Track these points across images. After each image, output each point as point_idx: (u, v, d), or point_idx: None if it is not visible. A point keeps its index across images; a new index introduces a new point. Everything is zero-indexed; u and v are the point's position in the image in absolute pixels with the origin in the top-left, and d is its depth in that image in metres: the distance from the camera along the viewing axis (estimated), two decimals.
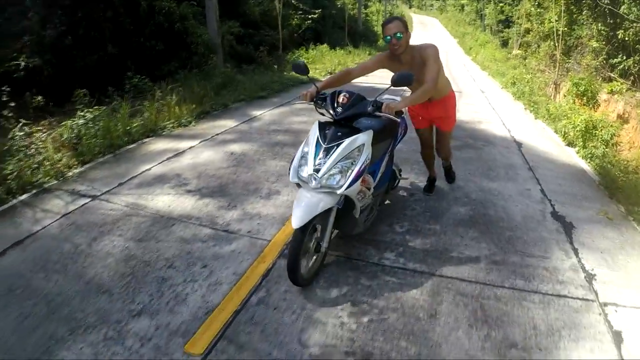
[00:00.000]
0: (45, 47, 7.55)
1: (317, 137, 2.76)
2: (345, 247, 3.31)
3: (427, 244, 3.41)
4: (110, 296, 2.69)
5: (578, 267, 3.19)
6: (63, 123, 5.50)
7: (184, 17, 11.12)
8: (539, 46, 16.06)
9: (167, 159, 5.10)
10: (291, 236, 2.62)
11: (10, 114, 5.09)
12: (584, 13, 11.39)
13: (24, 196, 4.00)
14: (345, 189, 2.61)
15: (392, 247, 3.35)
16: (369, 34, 28.25)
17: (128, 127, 5.83)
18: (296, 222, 2.52)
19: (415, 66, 3.17)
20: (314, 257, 2.87)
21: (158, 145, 5.66)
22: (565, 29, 11.84)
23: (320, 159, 2.66)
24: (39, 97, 5.98)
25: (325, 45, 16.92)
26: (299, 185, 2.78)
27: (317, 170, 2.63)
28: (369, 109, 2.80)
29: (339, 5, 25.39)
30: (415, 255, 3.23)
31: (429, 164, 4.34)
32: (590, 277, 3.06)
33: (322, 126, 2.84)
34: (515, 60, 18.54)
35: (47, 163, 4.57)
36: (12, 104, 5.28)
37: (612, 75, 9.44)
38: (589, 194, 4.69)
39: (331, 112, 2.85)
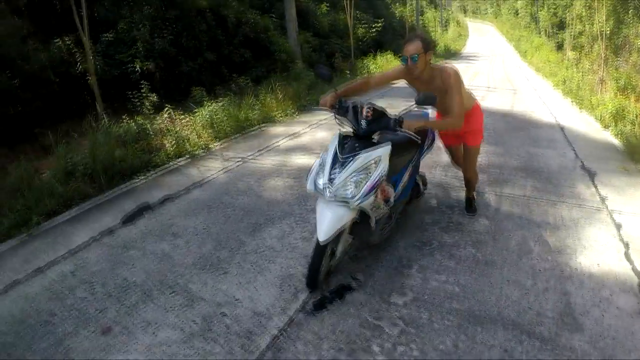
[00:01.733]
0: (155, 54, 9.28)
1: (336, 148, 2.80)
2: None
3: (491, 179, 5.10)
4: (288, 205, 4.41)
5: (595, 193, 4.73)
6: (195, 111, 7.50)
7: (267, 29, 13.22)
8: (591, 47, 17.04)
9: (289, 136, 7.02)
10: (313, 249, 2.77)
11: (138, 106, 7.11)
12: (630, 12, 12.42)
13: (182, 161, 5.87)
14: (358, 202, 2.65)
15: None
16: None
17: (249, 115, 7.84)
18: (323, 236, 2.59)
19: (434, 87, 3.19)
20: (329, 263, 2.96)
21: (276, 129, 7.64)
22: (614, 28, 12.86)
23: (335, 170, 2.71)
24: (154, 95, 7.72)
25: (389, 52, 18.55)
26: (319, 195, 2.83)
27: (331, 181, 2.68)
28: (390, 124, 2.86)
29: (398, 15, 27.22)
30: (484, 185, 4.90)
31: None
32: (603, 198, 4.60)
33: (342, 138, 2.89)
34: (569, 62, 19.41)
35: (193, 139, 6.46)
36: (135, 100, 7.31)
37: None
38: (614, 157, 6.17)
39: (355, 125, 2.89)
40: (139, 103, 7.36)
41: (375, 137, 2.98)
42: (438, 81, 3.19)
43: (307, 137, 7.03)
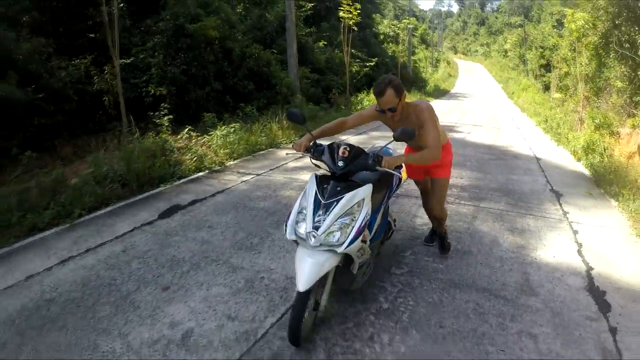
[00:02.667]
0: (167, 80, 10.12)
1: (316, 192, 2.70)
2: None
3: (471, 196, 5.88)
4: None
5: (560, 209, 5.53)
6: (210, 133, 8.37)
7: (269, 63, 14.18)
8: (575, 89, 18.08)
9: (295, 159, 7.82)
10: (294, 299, 2.59)
11: (158, 125, 7.99)
12: (611, 55, 13.37)
13: (202, 174, 6.74)
14: (346, 247, 2.55)
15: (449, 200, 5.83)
16: (417, 80, 31.24)
17: (258, 139, 8.70)
18: (302, 285, 2.45)
19: (410, 123, 3.16)
20: (312, 315, 2.82)
21: (282, 152, 8.45)
22: (596, 71, 13.78)
23: (319, 215, 2.59)
24: (169, 117, 8.42)
25: None
26: (296, 243, 2.70)
27: (316, 228, 2.56)
28: (369, 162, 2.78)
29: (390, 54, 28.61)
30: (464, 200, 5.68)
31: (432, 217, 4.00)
32: (565, 213, 5.39)
33: (320, 180, 2.78)
34: (554, 102, 20.47)
35: (210, 156, 7.33)
36: (156, 119, 8.20)
37: (634, 111, 11.41)
38: (582, 183, 7.00)
39: (331, 166, 2.79)
40: (159, 122, 8.12)
41: (353, 178, 2.92)
42: (412, 117, 3.16)
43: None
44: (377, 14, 34.70)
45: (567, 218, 5.22)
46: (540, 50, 29.90)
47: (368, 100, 17.47)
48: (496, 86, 41.77)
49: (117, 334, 2.89)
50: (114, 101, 8.66)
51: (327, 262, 2.55)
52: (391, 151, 3.69)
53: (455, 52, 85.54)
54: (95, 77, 8.73)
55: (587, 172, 7.86)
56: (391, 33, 31.74)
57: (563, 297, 3.41)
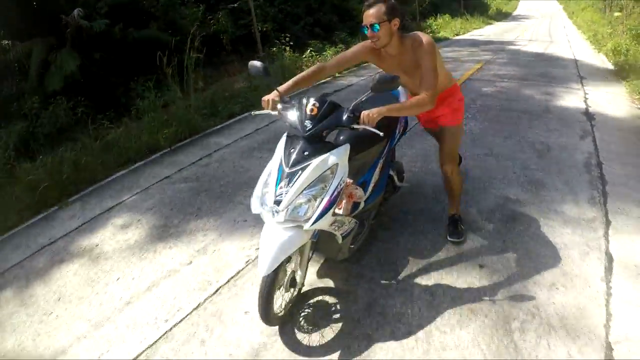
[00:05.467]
0: (269, 18, 12.63)
1: (281, 158, 2.29)
2: None
3: (519, 77, 8.87)
4: None
5: (580, 85, 8.38)
6: (324, 53, 11.45)
7: None
8: (633, 7, 19.57)
9: None
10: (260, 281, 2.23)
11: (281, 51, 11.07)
12: None
13: (328, 78, 9.90)
14: (312, 224, 2.16)
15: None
16: (480, 4, 32.60)
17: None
18: (263, 269, 2.11)
19: (407, 64, 2.65)
20: (290, 292, 2.51)
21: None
22: None
23: (281, 187, 2.19)
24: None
25: (447, 15, 21.90)
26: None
27: (278, 202, 2.17)
28: (343, 119, 2.32)
29: None
30: (515, 79, 8.69)
31: (453, 190, 3.37)
32: (583, 86, 8.22)
33: (290, 142, 2.35)
34: (614, 21, 21.79)
35: None
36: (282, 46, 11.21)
37: None
38: (604, 73, 9.75)
39: (298, 127, 2.31)
40: (282, 48, 11.21)
41: (331, 136, 2.50)
42: (409, 55, 2.62)
43: None
44: None
45: (584, 88, 8.09)
46: None
47: (436, 25, 19.87)
48: (557, 7, 42.00)
49: None
50: (230, 39, 11.40)
51: (292, 242, 2.18)
52: (402, 97, 3.16)
53: None
54: (211, 21, 11.35)
55: (611, 66, 10.54)
56: None
57: (567, 114, 6.40)
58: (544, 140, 5.28)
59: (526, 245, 3.28)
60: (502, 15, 33.13)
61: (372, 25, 2.50)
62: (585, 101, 7.15)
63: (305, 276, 2.64)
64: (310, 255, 2.66)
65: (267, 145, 5.50)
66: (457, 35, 18.54)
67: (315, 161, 2.24)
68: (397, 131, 3.27)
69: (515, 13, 37.41)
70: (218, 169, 5.02)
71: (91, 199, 4.66)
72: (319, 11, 15.39)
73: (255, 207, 2.31)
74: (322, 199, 2.22)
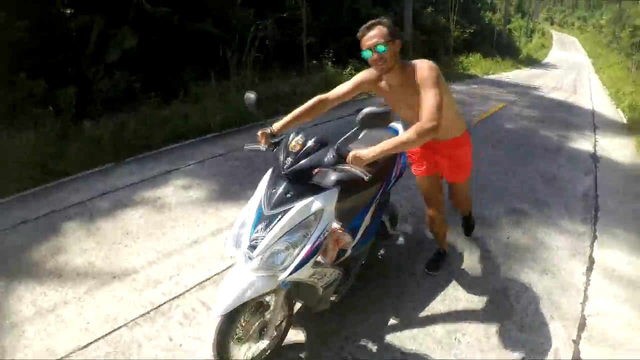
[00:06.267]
0: (314, 31, 13.29)
1: (261, 198, 2.11)
2: None
3: (538, 119, 9.74)
4: None
5: (592, 132, 9.23)
6: None
7: None
8: None
9: None
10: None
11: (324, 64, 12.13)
12: None
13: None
14: (289, 275, 1.96)
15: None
16: (511, 48, 33.61)
17: None
18: (218, 308, 1.93)
19: (408, 93, 2.33)
20: (261, 343, 2.27)
21: None
22: None
23: (258, 231, 2.00)
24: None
25: (478, 54, 22.90)
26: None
27: (252, 247, 1.99)
28: (325, 160, 2.09)
29: (487, 21, 31.26)
30: (534, 122, 9.58)
31: (438, 234, 3.35)
32: (595, 134, 9.08)
33: (272, 180, 2.16)
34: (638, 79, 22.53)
35: None
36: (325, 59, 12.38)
37: None
38: (617, 125, 10.61)
39: (280, 164, 2.11)
40: (326, 62, 12.33)
41: (318, 178, 2.13)
42: (412, 85, 2.28)
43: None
44: None
45: (595, 136, 8.93)
46: (630, 29, 31.08)
47: (467, 62, 20.84)
48: (586, 61, 42.70)
49: None
50: (273, 46, 12.15)
51: (253, 287, 1.95)
52: (400, 129, 3.01)
53: (552, 24, 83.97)
54: (259, 26, 11.71)
55: (625, 121, 11.38)
56: (488, 1, 34.02)
57: (576, 154, 7.24)
58: (552, 171, 6.15)
59: (526, 242, 4.14)
60: (532, 62, 34.04)
61: (376, 46, 2.25)
62: (594, 146, 8.00)
63: (283, 329, 2.42)
64: (286, 306, 2.36)
65: None
66: (485, 74, 19.53)
67: (298, 205, 2.03)
68: (393, 173, 3.05)
69: (544, 61, 38.28)
70: (268, 154, 5.93)
71: (147, 162, 5.52)
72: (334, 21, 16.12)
73: (228, 248, 2.11)
74: (303, 247, 2.01)
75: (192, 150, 5.94)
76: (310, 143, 2.14)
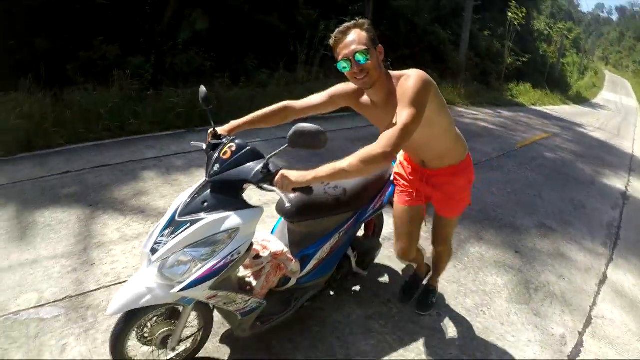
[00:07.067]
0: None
1: (182, 202, 1.96)
2: None
3: (577, 154, 10.22)
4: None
5: (627, 173, 9.64)
6: None
7: (443, 41, 18.39)
8: None
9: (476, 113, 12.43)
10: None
11: None
12: None
13: None
14: (180, 290, 1.80)
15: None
16: (562, 83, 33.57)
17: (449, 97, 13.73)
18: (111, 307, 1.81)
19: (395, 111, 1.85)
20: (164, 354, 2.14)
21: (468, 110, 13.09)
22: None
23: (163, 236, 1.87)
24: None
25: (528, 84, 23.17)
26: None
27: (153, 251, 1.86)
28: (250, 177, 1.87)
29: (541, 53, 31.31)
30: (571, 156, 10.07)
31: (415, 260, 2.90)
32: (630, 175, 9.48)
33: (202, 185, 2.00)
34: None
35: None
36: None
37: None
38: None
39: (208, 169, 1.95)
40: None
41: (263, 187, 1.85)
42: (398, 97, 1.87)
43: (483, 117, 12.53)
44: (534, 9, 36.74)
45: (629, 177, 9.35)
46: None
47: (517, 90, 21.17)
48: (636, 106, 42.17)
49: None
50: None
51: (149, 295, 1.83)
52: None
53: (606, 64, 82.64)
54: (322, 27, 12.53)
55: None
56: (545, 32, 34.01)
57: (607, 190, 7.77)
58: (582, 200, 6.75)
59: (549, 251, 4.80)
60: (580, 100, 33.89)
61: (355, 56, 1.84)
62: (626, 186, 8.47)
63: (198, 342, 2.27)
64: (202, 320, 2.21)
65: (364, 142, 7.29)
66: (533, 105, 19.95)
67: (209, 218, 1.84)
68: (372, 204, 2.70)
69: (593, 101, 37.97)
70: (329, 144, 6.71)
71: None
72: (416, 46, 17.08)
73: (145, 244, 1.93)
74: (204, 265, 1.83)
75: (257, 130, 6.71)
76: (243, 152, 1.94)
